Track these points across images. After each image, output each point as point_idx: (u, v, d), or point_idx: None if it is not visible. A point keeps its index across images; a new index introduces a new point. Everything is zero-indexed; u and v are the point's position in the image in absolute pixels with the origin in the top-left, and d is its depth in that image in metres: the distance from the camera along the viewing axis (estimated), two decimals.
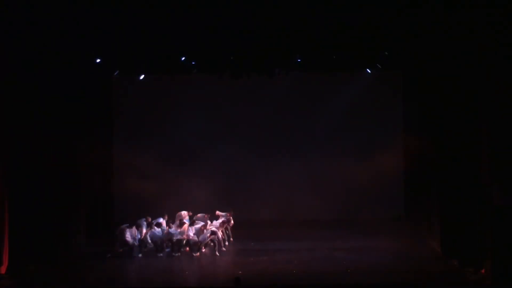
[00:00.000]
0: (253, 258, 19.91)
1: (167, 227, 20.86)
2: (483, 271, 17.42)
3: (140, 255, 20.53)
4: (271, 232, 23.03)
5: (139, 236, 20.64)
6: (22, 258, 18.32)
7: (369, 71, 22.17)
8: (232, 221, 21.79)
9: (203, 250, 20.69)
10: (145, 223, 21.02)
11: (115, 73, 22.43)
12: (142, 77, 22.56)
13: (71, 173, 21.05)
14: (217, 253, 20.42)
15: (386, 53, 19.77)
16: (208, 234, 20.37)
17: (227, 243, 21.58)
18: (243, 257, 20.10)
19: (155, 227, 20.72)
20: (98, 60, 19.80)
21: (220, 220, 21.37)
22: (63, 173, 20.34)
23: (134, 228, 20.66)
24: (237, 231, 22.33)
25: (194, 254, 20.44)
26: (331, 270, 18.24)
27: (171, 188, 24.20)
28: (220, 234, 20.84)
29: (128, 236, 20.46)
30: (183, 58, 20.03)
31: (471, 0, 16.41)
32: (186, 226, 20.66)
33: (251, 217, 24.21)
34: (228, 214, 21.73)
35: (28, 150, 18.59)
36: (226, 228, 21.59)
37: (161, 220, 21.06)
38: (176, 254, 20.53)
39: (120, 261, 20.26)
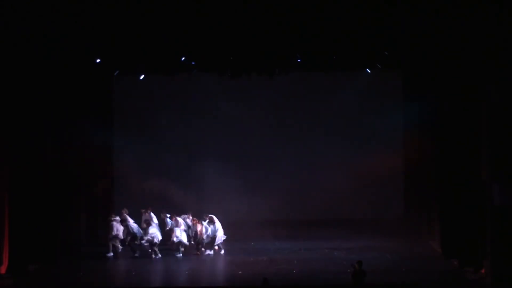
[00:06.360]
0: (253, 258, 19.91)
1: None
2: (483, 271, 17.43)
3: (136, 254, 20.58)
4: (271, 232, 23.00)
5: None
6: (22, 258, 18.33)
7: (369, 71, 22.16)
8: (196, 225, 20.72)
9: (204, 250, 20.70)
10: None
11: (116, 73, 22.43)
12: (142, 77, 22.57)
13: (71, 173, 21.05)
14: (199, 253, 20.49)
15: (386, 53, 19.77)
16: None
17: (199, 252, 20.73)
18: (243, 257, 20.09)
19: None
20: (98, 60, 19.83)
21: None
22: (63, 173, 20.34)
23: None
24: (237, 231, 22.30)
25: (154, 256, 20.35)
26: (331, 270, 18.25)
27: (171, 188, 24.16)
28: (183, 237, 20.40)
29: (116, 231, 20.56)
30: (183, 58, 20.04)
31: (470, 1, 16.43)
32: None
33: (250, 217, 24.17)
34: (188, 216, 21.24)
35: (28, 150, 18.60)
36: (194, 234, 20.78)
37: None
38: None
39: (120, 261, 20.29)
